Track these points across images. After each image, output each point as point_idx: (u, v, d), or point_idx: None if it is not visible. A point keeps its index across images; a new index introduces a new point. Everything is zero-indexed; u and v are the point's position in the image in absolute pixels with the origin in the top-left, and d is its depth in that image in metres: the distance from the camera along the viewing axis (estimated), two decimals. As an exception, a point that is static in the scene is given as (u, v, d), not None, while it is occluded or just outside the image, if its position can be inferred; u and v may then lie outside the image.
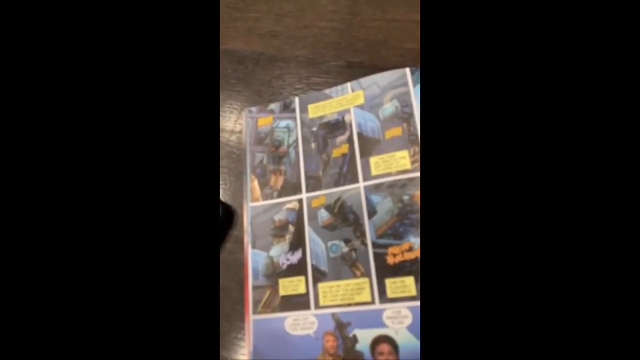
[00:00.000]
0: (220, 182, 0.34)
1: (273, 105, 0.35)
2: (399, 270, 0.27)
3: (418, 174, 0.28)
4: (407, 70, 0.32)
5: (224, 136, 0.36)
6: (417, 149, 0.29)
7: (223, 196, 0.34)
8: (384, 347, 0.25)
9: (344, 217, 0.30)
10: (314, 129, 0.33)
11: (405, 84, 0.31)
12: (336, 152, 0.32)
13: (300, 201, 0.31)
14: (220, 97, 0.38)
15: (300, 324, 0.28)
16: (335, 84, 0.35)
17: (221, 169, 0.35)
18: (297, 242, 0.30)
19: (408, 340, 0.25)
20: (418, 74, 0.32)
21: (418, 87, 0.31)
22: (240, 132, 0.36)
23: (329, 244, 0.29)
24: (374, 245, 0.28)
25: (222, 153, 0.35)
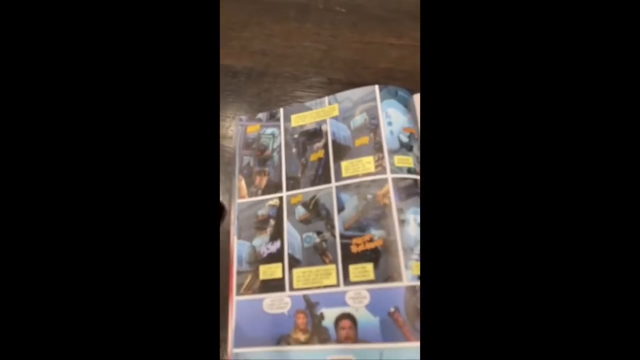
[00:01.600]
0: (212, 181, 0.39)
1: (261, 115, 0.40)
2: (361, 257, 0.31)
3: (381, 176, 0.33)
4: (376, 87, 0.37)
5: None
6: (381, 154, 0.34)
7: (214, 194, 0.38)
8: (346, 323, 0.30)
9: (317, 212, 0.34)
10: (295, 136, 0.38)
11: (374, 99, 0.36)
12: (313, 157, 0.36)
13: (280, 199, 0.36)
14: (215, 106, 0.43)
15: (276, 304, 0.32)
16: (316, 97, 0.40)
17: (213, 170, 0.40)
18: (277, 234, 0.34)
19: (366, 316, 0.29)
20: (385, 90, 0.37)
21: (385, 102, 0.36)
22: (231, 137, 0.41)
23: (304, 235, 0.34)
24: (341, 236, 0.32)
25: (214, 156, 0.40)
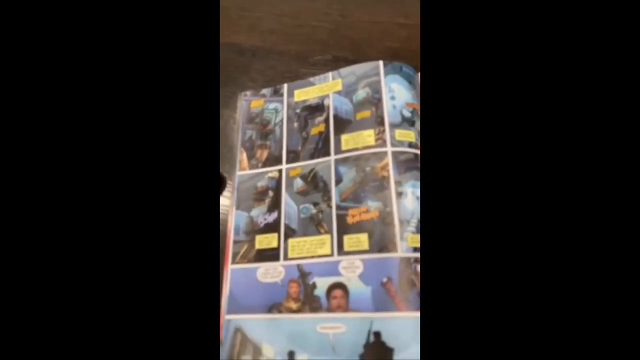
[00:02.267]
0: (215, 154, 0.39)
1: (265, 90, 0.41)
2: (356, 228, 0.31)
3: (380, 149, 0.33)
4: (380, 63, 0.36)
5: (221, 115, 0.41)
6: (382, 128, 0.33)
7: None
8: (337, 292, 0.29)
9: (315, 185, 0.34)
10: (298, 110, 0.38)
11: (378, 74, 0.36)
12: (314, 131, 0.36)
13: (280, 171, 0.36)
14: (221, 82, 0.43)
15: (270, 273, 0.32)
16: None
17: (216, 143, 0.40)
18: (274, 205, 0.34)
19: (357, 286, 0.29)
20: (390, 66, 0.36)
21: (389, 77, 0.36)
22: (235, 112, 0.41)
23: (301, 206, 0.33)
24: (338, 207, 0.32)
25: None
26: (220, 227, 0.36)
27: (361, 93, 0.36)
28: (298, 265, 0.31)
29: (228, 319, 0.31)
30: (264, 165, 0.37)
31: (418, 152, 0.33)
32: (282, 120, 0.38)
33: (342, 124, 0.35)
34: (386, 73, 0.36)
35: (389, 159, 0.32)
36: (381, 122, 0.34)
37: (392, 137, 0.33)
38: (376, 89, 0.35)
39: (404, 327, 0.26)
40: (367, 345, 0.27)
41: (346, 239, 0.31)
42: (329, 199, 0.33)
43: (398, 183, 0.31)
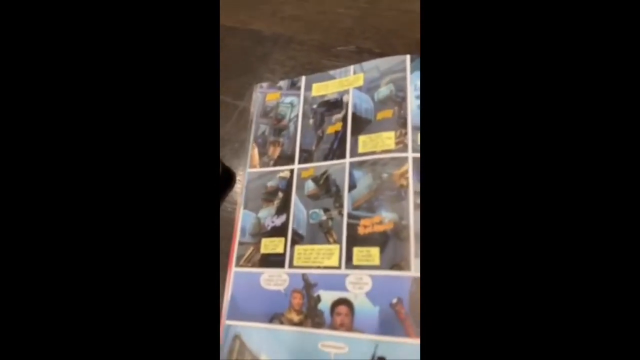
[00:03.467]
0: (227, 147, 0.38)
1: (282, 83, 0.38)
2: (367, 240, 0.28)
3: (400, 154, 0.30)
4: (408, 57, 0.33)
5: (236, 107, 0.39)
6: (404, 130, 0.30)
7: (227, 161, 0.37)
8: (342, 309, 0.27)
9: (327, 189, 0.31)
10: (315, 106, 0.35)
11: (403, 69, 0.33)
12: (330, 129, 0.34)
13: (291, 171, 0.34)
14: (238, 72, 0.41)
15: (273, 280, 0.30)
16: (343, 67, 0.36)
17: (228, 136, 0.38)
18: (283, 208, 0.32)
19: (364, 304, 0.26)
20: (417, 61, 0.33)
21: (415, 73, 0.32)
22: (250, 104, 0.39)
23: (311, 211, 0.31)
24: (349, 216, 0.30)
25: (230, 122, 0.39)
26: (228, 226, 0.34)
27: (384, 90, 0.33)
28: (303, 275, 0.29)
29: (228, 324, 0.30)
30: (276, 163, 0.35)
31: (443, 159, 0.29)
32: (297, 116, 0.36)
33: (361, 124, 0.32)
34: (413, 69, 0.32)
35: (409, 166, 0.29)
36: (403, 124, 0.31)
37: (414, 141, 0.30)
38: (401, 87, 0.32)
39: (412, 355, 0.24)
40: (370, 372, 0.25)
41: (356, 251, 0.28)
42: (341, 205, 0.30)
43: (417, 194, 0.28)
